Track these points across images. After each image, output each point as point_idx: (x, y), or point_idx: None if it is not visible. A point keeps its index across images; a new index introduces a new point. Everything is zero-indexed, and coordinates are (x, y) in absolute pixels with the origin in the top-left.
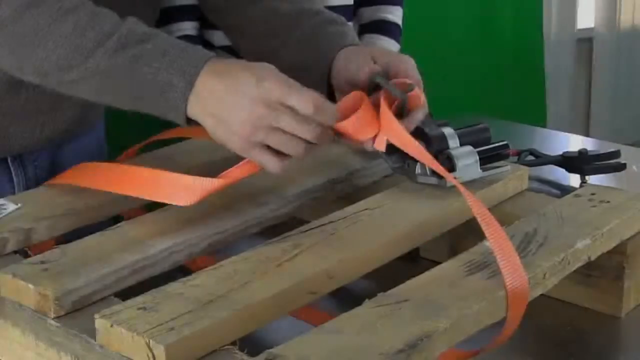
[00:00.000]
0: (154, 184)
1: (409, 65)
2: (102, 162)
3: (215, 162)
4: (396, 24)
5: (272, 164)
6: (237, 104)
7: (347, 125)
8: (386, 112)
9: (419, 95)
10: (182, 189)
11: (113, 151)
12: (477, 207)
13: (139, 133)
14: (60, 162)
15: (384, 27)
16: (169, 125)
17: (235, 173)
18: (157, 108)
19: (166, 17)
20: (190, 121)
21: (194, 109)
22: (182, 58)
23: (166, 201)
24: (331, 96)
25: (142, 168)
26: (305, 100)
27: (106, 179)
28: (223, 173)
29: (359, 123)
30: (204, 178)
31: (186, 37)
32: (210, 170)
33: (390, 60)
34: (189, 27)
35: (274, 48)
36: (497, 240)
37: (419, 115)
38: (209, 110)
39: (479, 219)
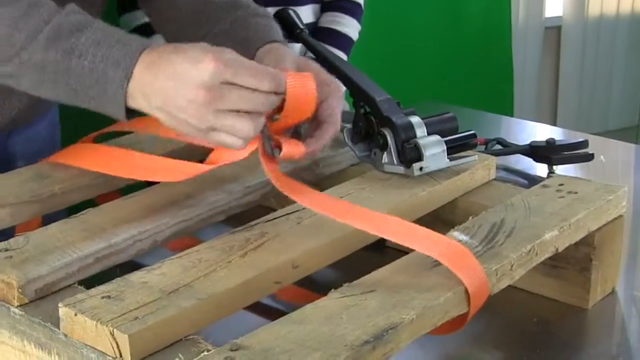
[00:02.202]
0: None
1: (332, 94)
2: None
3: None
4: (358, 4)
5: (230, 142)
6: (178, 93)
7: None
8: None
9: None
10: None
11: (67, 137)
12: (385, 223)
13: (94, 119)
14: (11, 149)
15: (345, 6)
16: None
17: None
18: (96, 102)
19: (131, 3)
20: (130, 114)
21: (138, 102)
22: (116, 49)
23: (153, 179)
24: None
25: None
26: (253, 72)
27: (99, 160)
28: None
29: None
30: (192, 163)
31: (144, 25)
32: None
33: (301, 67)
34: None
35: (200, 36)
36: (431, 246)
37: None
38: (153, 102)
39: (394, 239)
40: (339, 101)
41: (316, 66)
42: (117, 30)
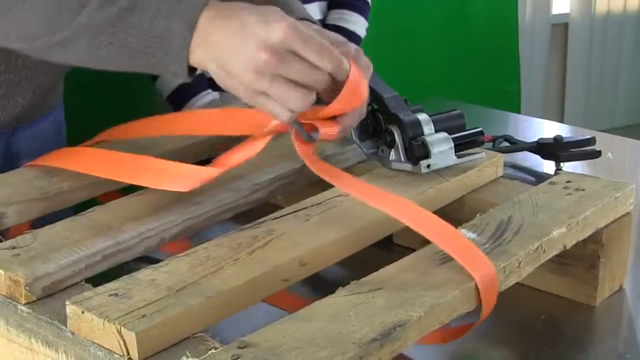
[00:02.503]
0: (148, 171)
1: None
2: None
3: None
4: (365, 1)
5: (278, 111)
6: (242, 47)
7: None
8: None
9: (329, 135)
10: (179, 178)
11: (72, 136)
12: (410, 211)
13: (99, 118)
14: (15, 147)
15: (353, 4)
16: (130, 109)
17: (232, 160)
18: (157, 61)
19: None
20: (192, 72)
21: (197, 55)
22: (179, 1)
23: (162, 187)
24: None
25: (134, 155)
26: (315, 46)
27: (99, 164)
28: (219, 159)
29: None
30: (202, 167)
31: None
32: (183, 156)
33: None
34: None
35: None
36: (446, 240)
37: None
38: (212, 54)
39: (414, 226)
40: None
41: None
42: None
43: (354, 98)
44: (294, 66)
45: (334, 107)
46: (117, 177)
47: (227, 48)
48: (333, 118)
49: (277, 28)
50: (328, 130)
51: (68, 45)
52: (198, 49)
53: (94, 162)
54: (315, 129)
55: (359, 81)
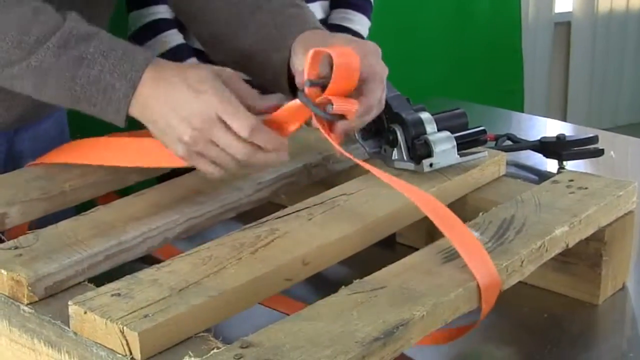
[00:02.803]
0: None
1: (371, 55)
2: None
3: None
4: (368, 0)
5: (212, 170)
6: (176, 115)
7: (275, 117)
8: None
9: (346, 109)
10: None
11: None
12: (429, 203)
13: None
14: (18, 147)
15: (355, 3)
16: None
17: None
18: (97, 109)
19: (140, 1)
20: (127, 119)
21: (135, 110)
22: (124, 61)
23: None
24: (292, 80)
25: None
26: (240, 122)
27: (106, 153)
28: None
29: (287, 114)
30: None
31: (161, 20)
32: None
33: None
34: (162, 10)
35: (234, 32)
36: (458, 236)
37: (347, 126)
38: (149, 116)
39: (433, 218)
40: (377, 59)
41: (370, 53)
42: (121, 42)
43: (346, 79)
44: (221, 135)
45: (329, 93)
46: (120, 162)
47: (163, 114)
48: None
49: (204, 97)
50: (344, 104)
51: (16, 80)
52: (136, 106)
53: (96, 151)
54: (329, 103)
55: (344, 63)
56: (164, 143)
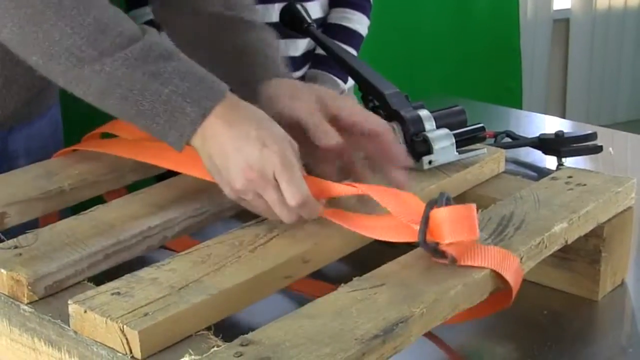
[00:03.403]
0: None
1: (349, 105)
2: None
3: None
4: None
5: (254, 211)
6: (235, 160)
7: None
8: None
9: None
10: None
11: (70, 136)
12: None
13: (96, 118)
14: (12, 146)
15: (354, 2)
16: None
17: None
18: (159, 128)
19: (132, 2)
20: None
21: (195, 140)
22: (200, 87)
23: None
24: None
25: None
26: (292, 191)
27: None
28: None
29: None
30: None
31: (150, 22)
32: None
33: (334, 105)
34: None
35: (209, 56)
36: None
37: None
38: (208, 150)
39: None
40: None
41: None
42: (200, 68)
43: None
44: (272, 194)
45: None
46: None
47: (223, 153)
48: None
49: (268, 153)
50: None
51: (82, 82)
52: (199, 137)
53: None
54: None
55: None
56: (214, 179)
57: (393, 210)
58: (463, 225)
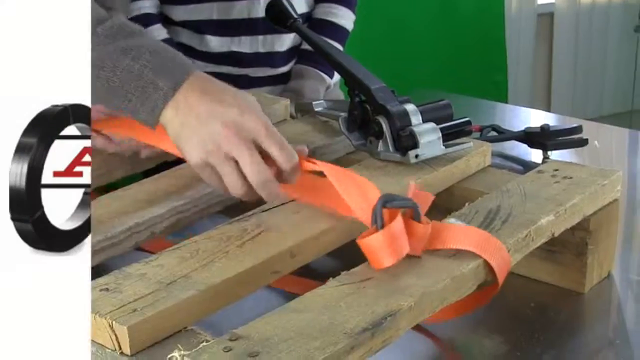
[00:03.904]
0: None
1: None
2: None
3: None
4: None
5: (216, 185)
6: (210, 121)
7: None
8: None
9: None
10: None
11: None
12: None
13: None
14: None
15: None
16: None
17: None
18: (131, 106)
19: None
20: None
21: (167, 113)
22: (172, 62)
23: None
24: None
25: None
26: (287, 154)
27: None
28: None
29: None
30: None
31: (145, 15)
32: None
33: None
34: (147, 5)
35: None
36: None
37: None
38: (181, 118)
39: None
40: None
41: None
42: (168, 46)
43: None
44: (246, 156)
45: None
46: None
47: (196, 117)
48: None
49: (249, 118)
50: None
51: None
52: (171, 108)
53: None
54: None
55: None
56: (176, 143)
57: (345, 193)
58: (396, 245)
